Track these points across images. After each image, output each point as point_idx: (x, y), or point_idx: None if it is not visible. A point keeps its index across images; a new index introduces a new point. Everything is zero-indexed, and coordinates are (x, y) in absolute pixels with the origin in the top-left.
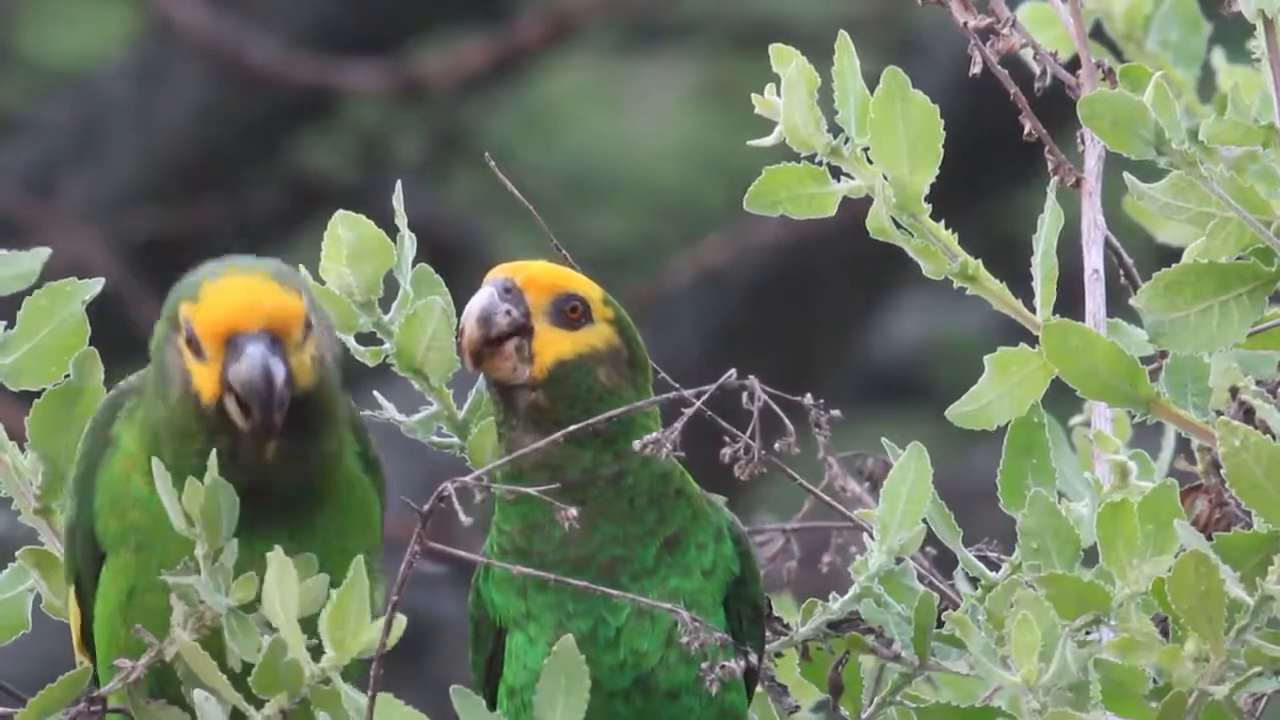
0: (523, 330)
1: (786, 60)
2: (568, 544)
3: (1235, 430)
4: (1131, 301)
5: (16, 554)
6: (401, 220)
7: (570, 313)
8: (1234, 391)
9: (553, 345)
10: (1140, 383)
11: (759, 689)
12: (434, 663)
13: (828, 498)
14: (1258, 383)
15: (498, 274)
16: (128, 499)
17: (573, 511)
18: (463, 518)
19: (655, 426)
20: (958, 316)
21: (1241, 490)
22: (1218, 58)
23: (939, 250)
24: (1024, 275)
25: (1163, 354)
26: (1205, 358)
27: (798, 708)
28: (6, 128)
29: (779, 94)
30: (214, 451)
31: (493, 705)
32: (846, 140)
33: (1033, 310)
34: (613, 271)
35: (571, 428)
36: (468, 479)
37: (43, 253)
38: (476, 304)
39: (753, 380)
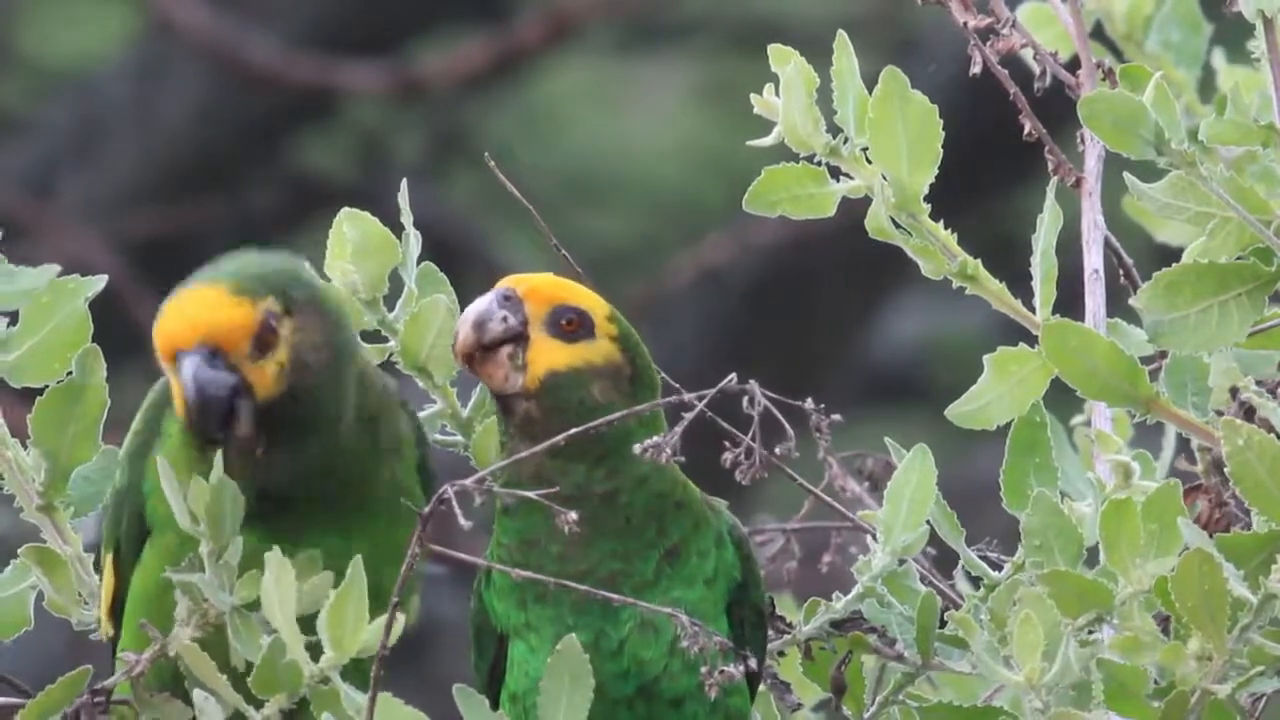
0: (518, 338)
1: (785, 60)
2: (564, 560)
3: (1239, 429)
4: (1131, 301)
5: (19, 551)
6: (407, 218)
7: (567, 325)
8: (1234, 391)
9: (546, 355)
10: (1140, 383)
11: (761, 688)
12: (434, 662)
13: (828, 498)
14: (1258, 383)
15: (502, 283)
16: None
17: (573, 515)
18: (462, 522)
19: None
20: (957, 316)
21: (1245, 489)
22: (1218, 58)
23: (938, 250)
24: (1024, 275)
25: (1162, 354)
26: (1205, 357)
27: (800, 706)
28: (6, 128)
29: (778, 94)
30: (218, 454)
31: (495, 710)
32: (845, 140)
33: (1032, 310)
34: (613, 271)
35: (561, 436)
36: (467, 482)
37: (50, 269)
38: (473, 309)
39: (753, 384)
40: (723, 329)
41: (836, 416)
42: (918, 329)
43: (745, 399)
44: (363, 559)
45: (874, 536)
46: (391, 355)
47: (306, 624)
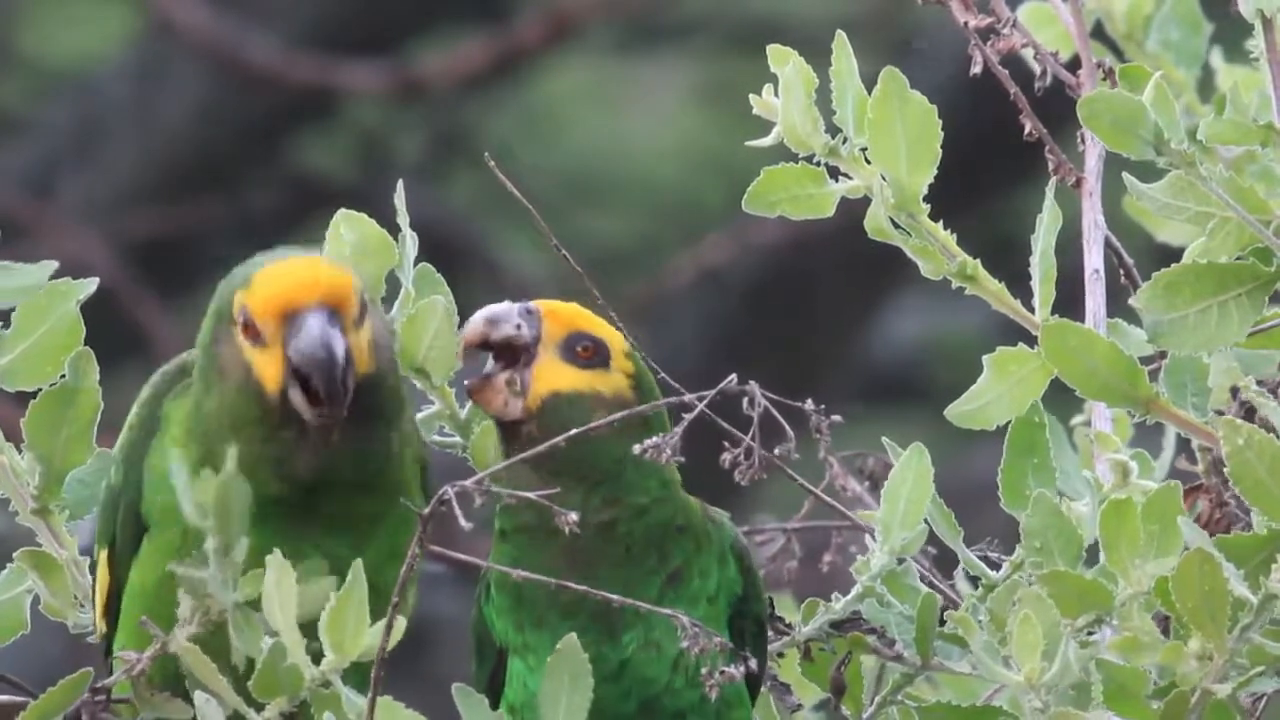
0: (520, 357)
1: (784, 60)
2: (564, 588)
3: (1239, 429)
4: (1131, 301)
5: (14, 555)
6: (404, 219)
7: (582, 351)
8: (1234, 391)
9: (551, 376)
10: (1139, 383)
11: (762, 689)
12: (433, 663)
13: (828, 498)
14: (1258, 382)
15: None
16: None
17: (573, 516)
18: (463, 522)
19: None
20: (957, 316)
21: (1245, 489)
22: (1218, 58)
23: (938, 250)
24: (1023, 275)
25: (1162, 354)
26: (1204, 358)
27: (800, 707)
28: (6, 128)
29: (777, 94)
30: (231, 450)
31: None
32: (845, 140)
33: (1032, 310)
34: (613, 271)
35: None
36: (468, 483)
37: (49, 266)
38: (491, 308)
39: (753, 385)
40: (723, 329)
41: (836, 417)
42: (917, 329)
43: (745, 399)
44: (369, 562)
45: (873, 536)
46: None
47: (307, 629)
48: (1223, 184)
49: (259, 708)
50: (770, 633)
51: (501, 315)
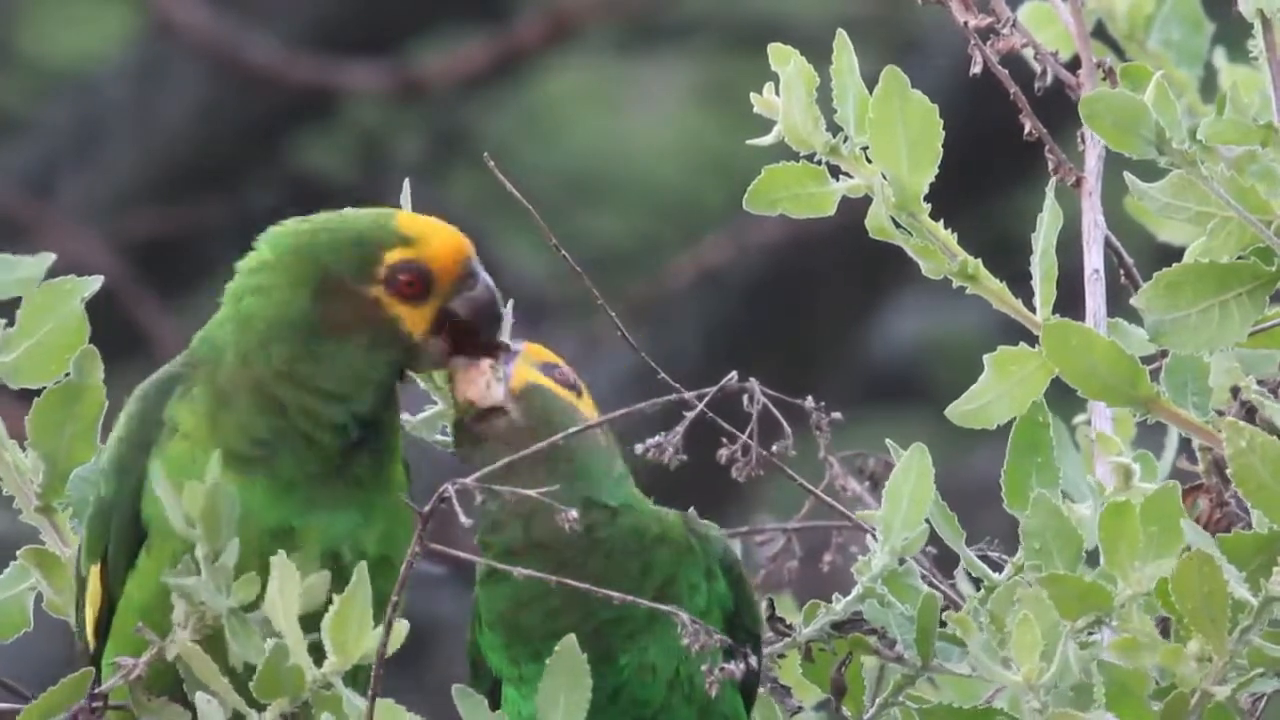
0: (508, 350)
1: (785, 60)
2: (555, 616)
3: (1241, 431)
4: (1132, 301)
5: (18, 553)
6: None
7: (559, 376)
8: (1235, 391)
9: (533, 373)
10: (1140, 382)
11: (761, 690)
12: (433, 663)
13: (828, 498)
14: (1259, 382)
15: None
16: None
17: (573, 514)
18: (463, 519)
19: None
20: (957, 316)
21: (1247, 491)
22: (1220, 58)
23: (938, 249)
24: (1024, 275)
25: (1163, 354)
26: (1205, 357)
27: (800, 708)
28: (6, 128)
29: (778, 93)
30: (216, 453)
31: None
32: (845, 139)
33: (1032, 310)
34: (613, 271)
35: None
36: (468, 480)
37: (46, 258)
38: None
39: (753, 382)
40: (723, 329)
41: (836, 415)
42: (918, 329)
43: (745, 398)
44: (381, 531)
45: (874, 536)
46: None
47: (305, 621)
48: (1224, 184)
49: (259, 708)
50: (770, 634)
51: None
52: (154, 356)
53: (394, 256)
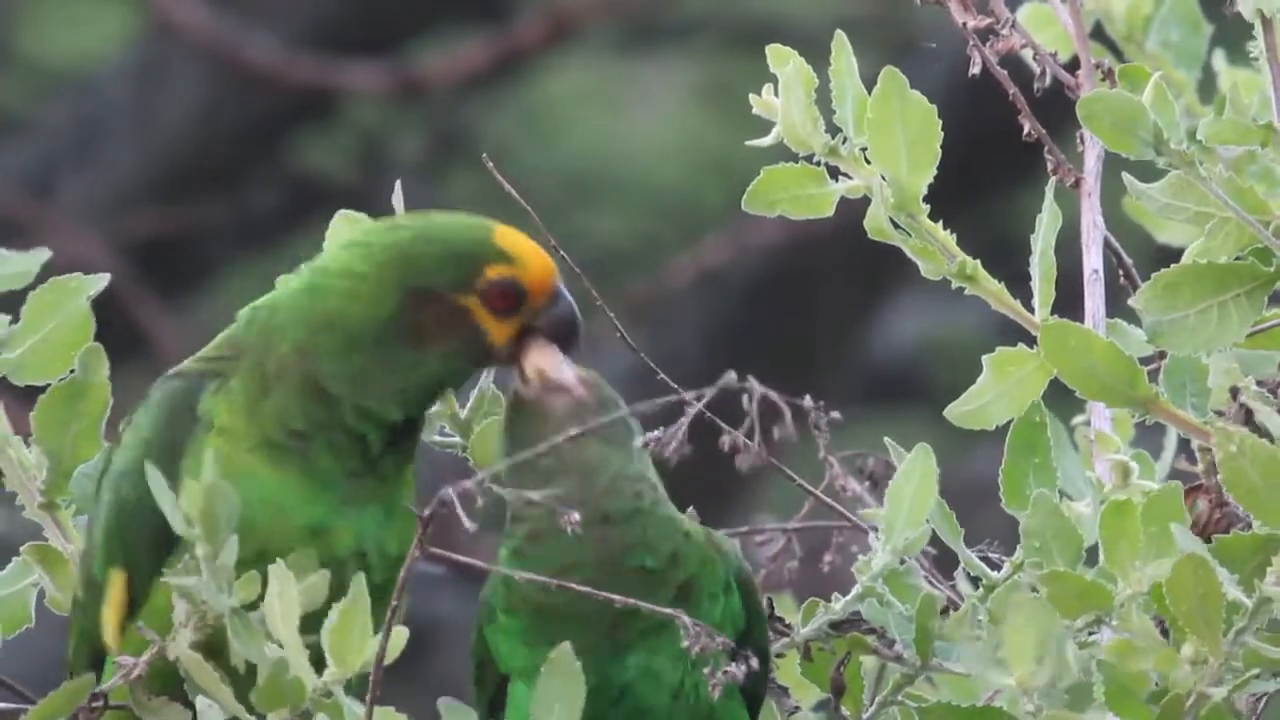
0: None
1: (784, 60)
2: (577, 601)
3: (1231, 436)
4: (1131, 302)
5: (21, 549)
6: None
7: None
8: (1234, 392)
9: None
10: (1139, 383)
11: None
12: (433, 664)
13: (828, 498)
14: (1258, 383)
15: None
16: (236, 476)
17: (575, 516)
18: (466, 523)
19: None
20: (957, 316)
21: (1239, 495)
22: (1218, 59)
23: (937, 250)
24: (1023, 275)
25: (1162, 354)
26: (1204, 358)
27: (798, 708)
28: (6, 128)
29: (777, 94)
30: (210, 452)
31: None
32: (844, 140)
33: (1031, 310)
34: (613, 271)
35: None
36: (469, 483)
37: (41, 253)
38: None
39: (752, 381)
40: (723, 329)
41: (835, 414)
42: (917, 329)
43: (745, 396)
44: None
45: (875, 534)
46: None
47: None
48: (1222, 184)
49: (260, 715)
50: (770, 634)
51: None
52: (154, 356)
53: (494, 272)
